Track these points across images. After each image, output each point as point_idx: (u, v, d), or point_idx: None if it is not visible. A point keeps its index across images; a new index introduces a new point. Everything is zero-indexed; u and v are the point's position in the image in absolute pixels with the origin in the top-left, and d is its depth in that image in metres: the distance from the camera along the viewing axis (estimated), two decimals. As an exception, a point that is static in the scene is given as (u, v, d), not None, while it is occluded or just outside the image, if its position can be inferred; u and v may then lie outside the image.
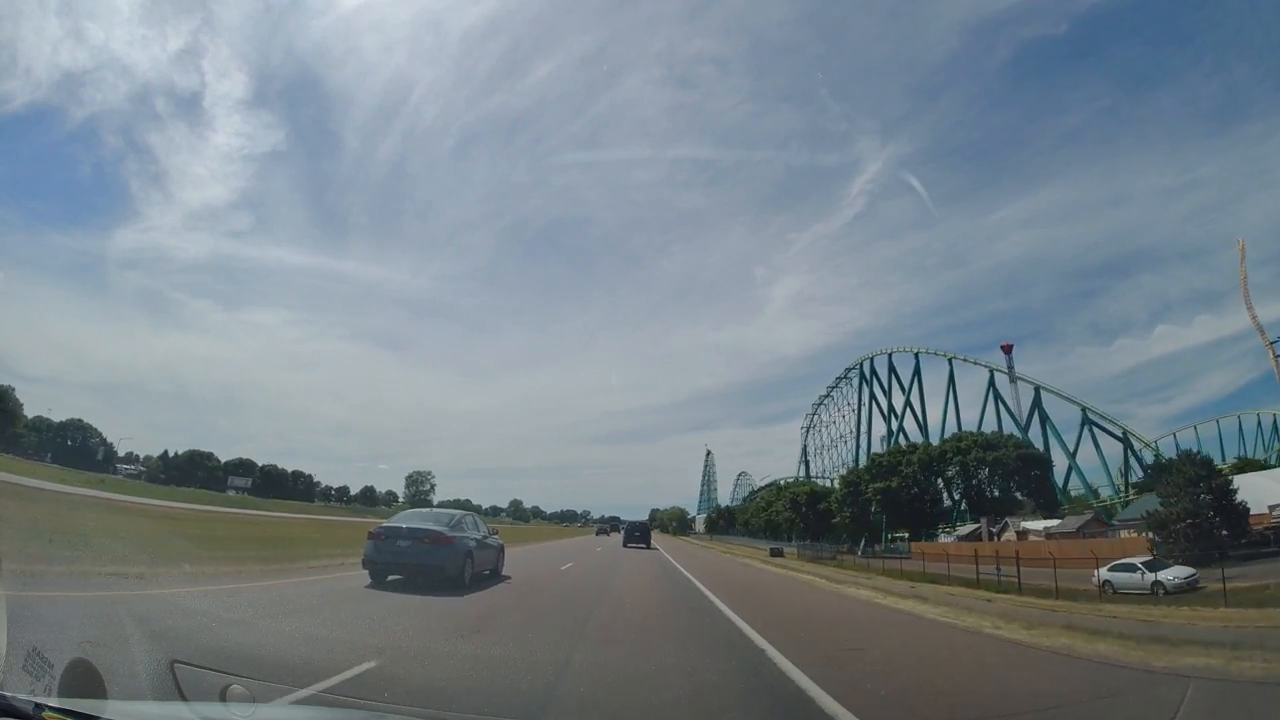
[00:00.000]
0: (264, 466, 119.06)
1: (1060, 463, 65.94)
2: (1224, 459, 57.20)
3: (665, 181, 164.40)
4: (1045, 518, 49.03)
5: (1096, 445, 67.15)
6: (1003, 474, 56.35)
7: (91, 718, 2.33)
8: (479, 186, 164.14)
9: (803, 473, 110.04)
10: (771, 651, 7.85)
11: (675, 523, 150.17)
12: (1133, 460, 64.25)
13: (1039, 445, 65.85)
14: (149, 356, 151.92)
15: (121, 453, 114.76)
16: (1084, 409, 68.78)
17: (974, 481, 57.32)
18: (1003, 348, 76.69)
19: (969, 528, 52.39)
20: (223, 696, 3.43)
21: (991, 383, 77.21)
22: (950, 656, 9.10)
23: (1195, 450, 41.55)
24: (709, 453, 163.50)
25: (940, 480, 58.96)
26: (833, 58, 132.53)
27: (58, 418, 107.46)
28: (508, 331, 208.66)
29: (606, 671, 6.71)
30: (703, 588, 17.23)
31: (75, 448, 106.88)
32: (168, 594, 9.19)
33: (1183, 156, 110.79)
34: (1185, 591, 23.73)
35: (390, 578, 12.39)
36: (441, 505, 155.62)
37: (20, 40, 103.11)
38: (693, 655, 7.83)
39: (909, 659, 8.85)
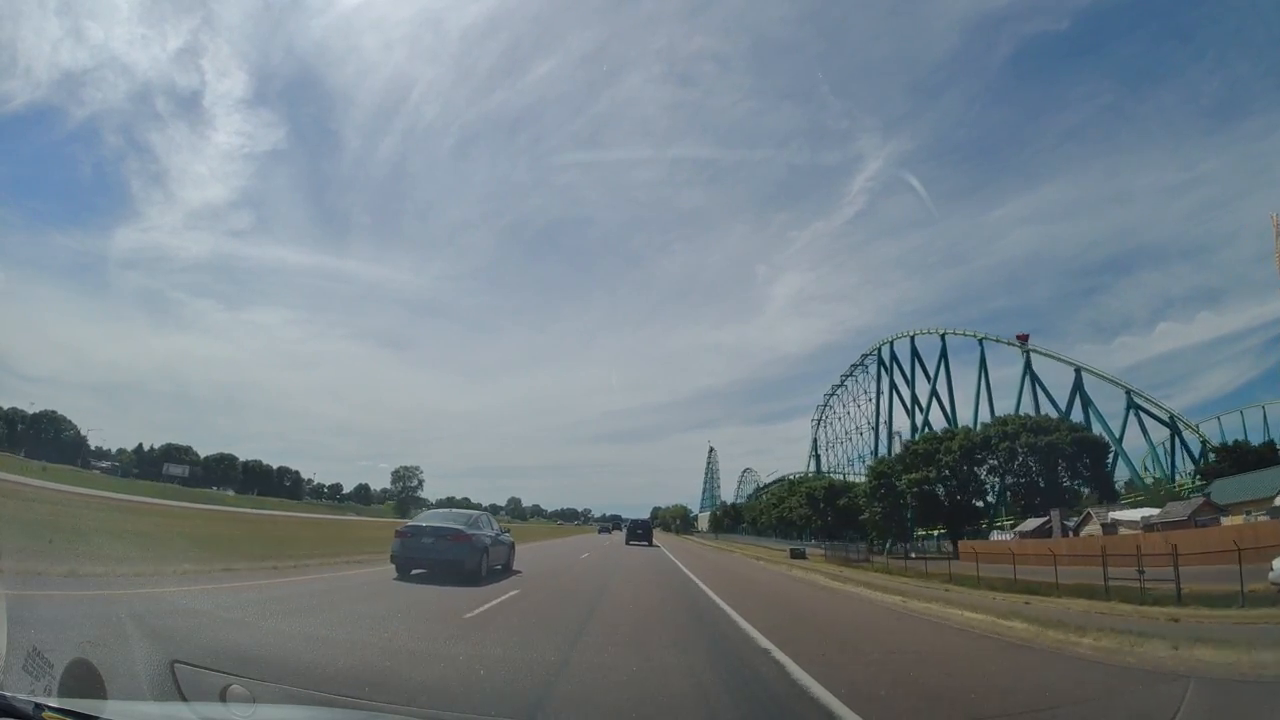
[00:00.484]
0: (247, 462, 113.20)
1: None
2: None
3: (666, 180, 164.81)
4: (1126, 507, 41.37)
5: (1144, 430, 61.39)
6: (1055, 461, 48.93)
7: (91, 718, 2.32)
8: (479, 186, 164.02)
9: (813, 467, 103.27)
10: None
11: (678, 521, 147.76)
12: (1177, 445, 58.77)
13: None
14: (149, 356, 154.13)
15: (93, 445, 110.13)
16: (1129, 391, 62.86)
17: (1023, 470, 49.81)
18: (1019, 338, 71.38)
19: (1036, 521, 44.83)
20: (222, 696, 3.43)
21: (1028, 365, 70.55)
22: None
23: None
24: (711, 450, 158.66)
25: (982, 470, 51.54)
26: (833, 55, 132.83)
27: (32, 410, 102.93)
28: (508, 331, 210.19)
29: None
30: (721, 602, 11.21)
31: (49, 440, 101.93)
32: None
33: (1184, 153, 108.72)
34: None
35: (414, 571, 13.20)
36: (439, 504, 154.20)
37: (20, 40, 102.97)
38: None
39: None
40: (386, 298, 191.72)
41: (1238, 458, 46.53)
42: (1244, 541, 22.60)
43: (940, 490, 50.82)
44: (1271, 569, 18.49)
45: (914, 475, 50.81)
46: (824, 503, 73.06)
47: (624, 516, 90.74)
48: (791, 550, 44.88)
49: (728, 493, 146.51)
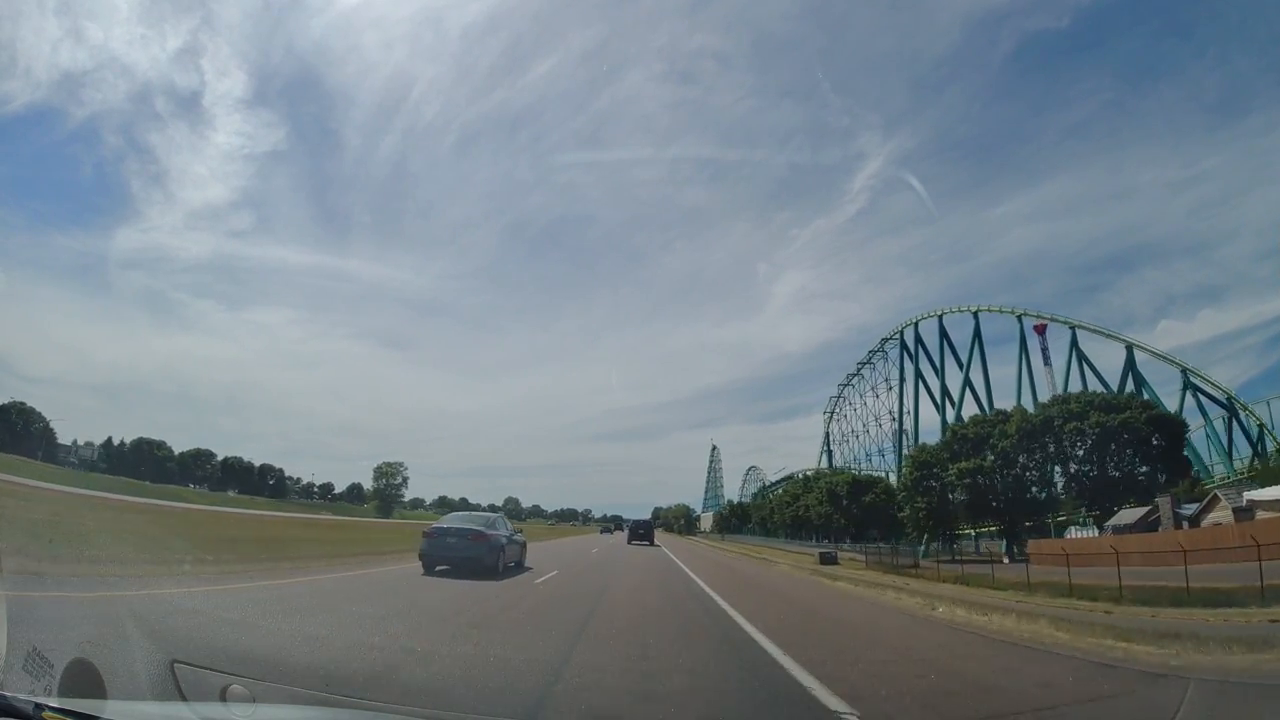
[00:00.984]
0: (226, 459, 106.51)
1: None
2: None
3: (667, 178, 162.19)
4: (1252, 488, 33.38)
5: (1203, 412, 54.55)
6: (1132, 444, 41.19)
7: (91, 718, 2.31)
8: (480, 184, 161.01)
9: (825, 462, 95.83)
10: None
11: (681, 521, 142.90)
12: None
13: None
14: (151, 357, 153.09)
15: (70, 441, 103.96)
16: (1184, 370, 56.28)
17: (1093, 456, 41.96)
18: (1036, 329, 65.32)
19: (1139, 511, 37.11)
20: (223, 696, 3.40)
21: (1074, 343, 62.97)
22: None
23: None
24: (714, 448, 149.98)
25: (1042, 457, 43.71)
26: (835, 52, 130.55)
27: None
28: (510, 330, 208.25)
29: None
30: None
31: (18, 433, 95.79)
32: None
33: (1187, 150, 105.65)
34: None
35: (438, 568, 14.26)
36: (433, 504, 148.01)
37: (20, 40, 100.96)
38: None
39: None
40: (388, 297, 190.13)
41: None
42: None
43: (996, 481, 43.03)
44: None
45: (964, 464, 43.10)
46: (847, 499, 65.52)
47: (625, 517, 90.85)
48: (821, 555, 37.19)
49: (731, 492, 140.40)
